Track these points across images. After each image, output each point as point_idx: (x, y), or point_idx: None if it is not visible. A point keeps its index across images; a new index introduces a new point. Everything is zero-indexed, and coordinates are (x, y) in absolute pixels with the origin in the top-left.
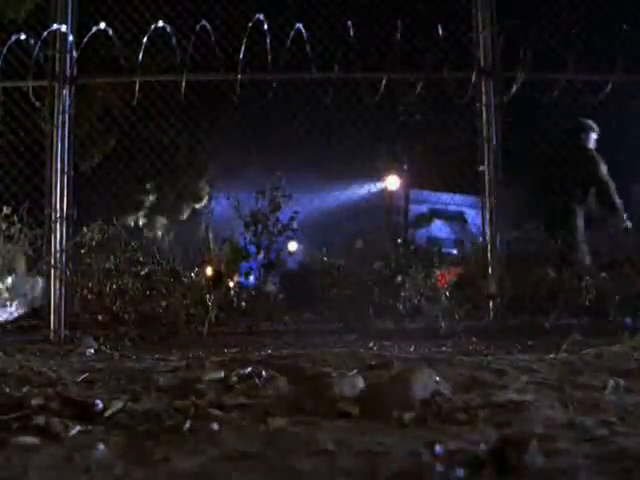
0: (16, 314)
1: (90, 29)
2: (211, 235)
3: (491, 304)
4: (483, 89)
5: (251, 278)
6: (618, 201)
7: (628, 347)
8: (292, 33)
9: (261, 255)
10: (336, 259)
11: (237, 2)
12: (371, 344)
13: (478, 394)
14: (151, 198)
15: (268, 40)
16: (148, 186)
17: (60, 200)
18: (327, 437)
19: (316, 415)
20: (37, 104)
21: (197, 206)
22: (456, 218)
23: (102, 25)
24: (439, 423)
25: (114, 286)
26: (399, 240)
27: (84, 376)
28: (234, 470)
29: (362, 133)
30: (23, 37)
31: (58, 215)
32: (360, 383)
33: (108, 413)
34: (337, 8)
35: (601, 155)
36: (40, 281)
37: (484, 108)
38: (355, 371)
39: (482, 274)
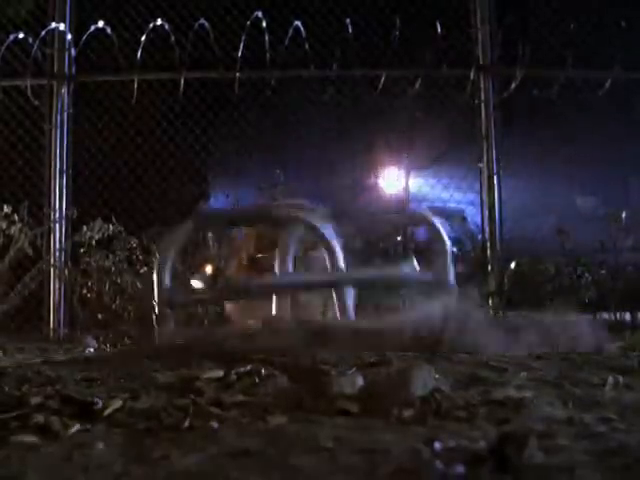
0: None
1: (89, 27)
2: (210, 233)
3: (490, 301)
4: (482, 85)
5: None
6: None
7: (628, 344)
8: (290, 30)
9: None
10: None
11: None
12: None
13: (477, 391)
14: (150, 195)
15: (267, 37)
16: (147, 183)
17: (59, 199)
18: (326, 434)
19: (315, 413)
20: (36, 103)
21: (196, 203)
22: (455, 216)
23: (100, 23)
24: (438, 420)
25: (113, 284)
26: (398, 238)
27: (83, 375)
28: (233, 468)
29: (361, 130)
30: (22, 35)
31: (57, 214)
32: (359, 381)
33: (107, 412)
34: (335, 5)
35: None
36: None
37: (482, 105)
38: (354, 369)
39: (481, 271)
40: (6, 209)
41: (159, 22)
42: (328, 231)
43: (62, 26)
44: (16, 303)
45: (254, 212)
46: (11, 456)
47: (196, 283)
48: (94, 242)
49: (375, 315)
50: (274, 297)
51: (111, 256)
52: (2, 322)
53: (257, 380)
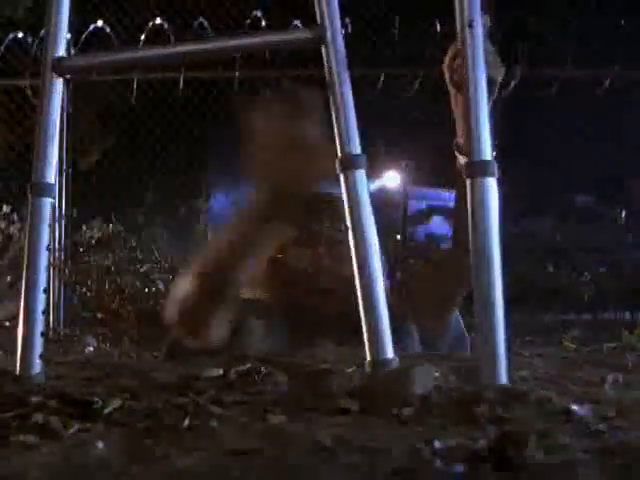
0: None
1: (88, 26)
2: (210, 233)
3: None
4: None
5: None
6: None
7: (627, 342)
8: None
9: None
10: None
11: None
12: None
13: (477, 390)
14: (150, 196)
15: None
16: (147, 184)
17: (58, 199)
18: (326, 433)
19: (315, 412)
20: (35, 102)
21: (196, 204)
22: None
23: (100, 22)
24: (438, 419)
25: (113, 284)
26: (398, 236)
27: (83, 374)
28: (234, 467)
29: (360, 130)
30: (21, 35)
31: (56, 214)
32: (359, 379)
33: (107, 411)
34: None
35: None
36: None
37: None
38: (355, 367)
39: None
40: (5, 209)
41: (158, 21)
42: None
43: None
44: (16, 302)
45: None
46: (10, 456)
47: None
48: (93, 241)
49: None
50: None
51: (111, 255)
52: (1, 320)
53: (257, 379)
